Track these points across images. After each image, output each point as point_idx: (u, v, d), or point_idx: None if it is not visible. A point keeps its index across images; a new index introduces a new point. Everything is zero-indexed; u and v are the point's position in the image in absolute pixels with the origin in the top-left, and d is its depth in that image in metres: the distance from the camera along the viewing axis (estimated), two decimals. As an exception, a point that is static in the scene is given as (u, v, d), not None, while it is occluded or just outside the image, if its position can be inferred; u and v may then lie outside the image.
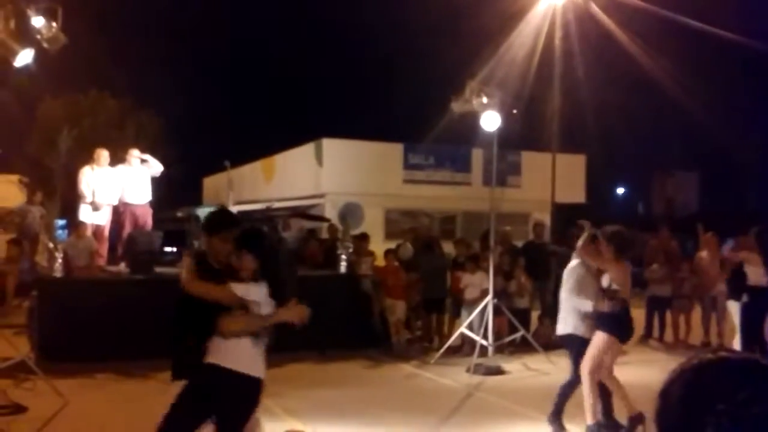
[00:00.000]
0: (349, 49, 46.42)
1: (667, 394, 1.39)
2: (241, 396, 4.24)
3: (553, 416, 6.92)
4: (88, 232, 11.76)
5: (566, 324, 7.02)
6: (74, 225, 12.29)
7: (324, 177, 22.46)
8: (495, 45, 21.03)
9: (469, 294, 11.02)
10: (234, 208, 14.30)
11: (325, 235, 15.72)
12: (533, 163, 23.61)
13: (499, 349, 10.68)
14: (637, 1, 20.79)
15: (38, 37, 7.95)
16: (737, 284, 9.67)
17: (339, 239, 14.05)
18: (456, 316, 11.72)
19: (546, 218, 20.04)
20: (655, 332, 12.63)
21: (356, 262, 12.02)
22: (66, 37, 8.13)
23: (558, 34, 20.34)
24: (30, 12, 7.89)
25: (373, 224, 19.82)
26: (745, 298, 9.38)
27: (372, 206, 22.06)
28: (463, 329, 10.78)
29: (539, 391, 8.76)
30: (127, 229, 12.01)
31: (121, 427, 6.90)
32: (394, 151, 23.41)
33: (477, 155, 23.05)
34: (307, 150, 23.52)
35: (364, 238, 13.07)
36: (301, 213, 19.47)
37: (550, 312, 11.88)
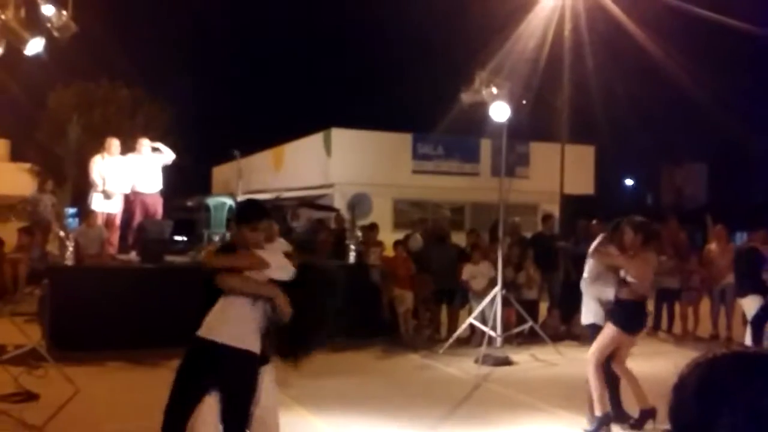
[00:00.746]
0: (358, 40, 46.35)
1: (681, 387, 1.39)
2: (234, 370, 4.26)
3: (615, 411, 6.78)
4: (99, 221, 11.82)
5: (589, 313, 7.02)
6: (85, 213, 12.35)
7: (333, 167, 22.49)
8: (504, 35, 20.94)
9: (477, 284, 11.02)
10: (243, 198, 14.33)
11: (333, 225, 15.73)
12: (542, 154, 23.57)
13: (508, 340, 10.69)
14: (647, -9, 20.69)
15: (48, 25, 7.96)
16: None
17: (347, 229, 14.07)
18: (463, 306, 11.73)
19: (554, 209, 20.00)
20: (664, 324, 12.62)
21: (365, 252, 12.05)
22: (76, 25, 8.15)
23: (567, 24, 20.24)
24: (40, 0, 7.90)
25: (381, 214, 19.83)
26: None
27: (381, 196, 22.06)
28: (471, 320, 10.79)
29: (547, 382, 8.80)
30: (138, 218, 12.07)
31: (132, 414, 6.95)
32: (403, 141, 23.41)
33: (486, 146, 23.03)
34: (316, 140, 23.54)
35: (372, 228, 13.09)
36: (309, 203, 19.52)
37: (559, 303, 11.92)
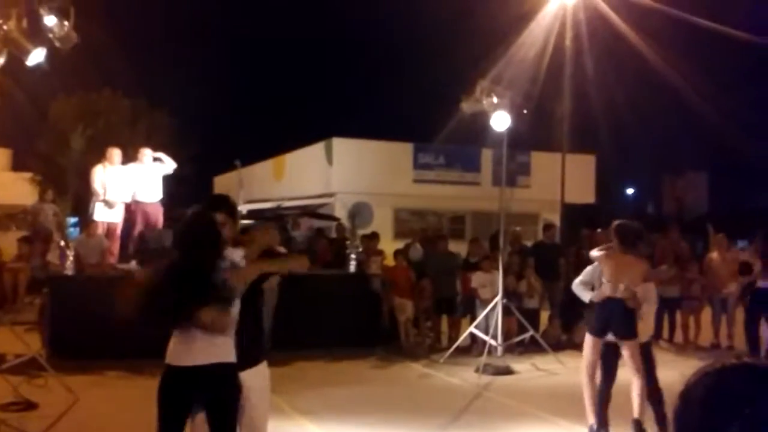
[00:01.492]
0: (360, 49, 46.47)
1: (687, 396, 1.37)
2: (216, 385, 4.12)
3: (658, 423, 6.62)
4: (99, 231, 11.82)
5: None
6: (86, 223, 12.36)
7: (334, 176, 22.51)
8: (505, 45, 21.00)
9: (486, 293, 10.94)
10: (244, 207, 14.34)
11: (334, 234, 15.74)
12: (543, 163, 23.59)
13: (509, 350, 10.68)
14: (648, 0, 20.72)
15: (50, 36, 7.98)
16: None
17: (347, 238, 14.08)
18: (464, 316, 11.72)
19: (555, 218, 20.01)
20: (665, 333, 12.59)
21: (365, 262, 12.05)
22: (78, 36, 8.17)
23: (568, 33, 20.29)
24: (42, 11, 7.92)
25: (382, 224, 19.85)
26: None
27: (381, 206, 22.10)
28: (472, 329, 10.78)
29: (548, 392, 8.78)
30: (139, 227, 12.08)
31: (131, 424, 6.93)
32: (404, 150, 23.44)
33: (486, 155, 23.05)
34: (317, 149, 23.58)
35: (373, 237, 13.10)
36: (310, 212, 19.52)
37: (560, 312, 11.90)
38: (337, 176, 22.42)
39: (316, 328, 10.69)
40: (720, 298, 12.21)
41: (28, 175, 28.88)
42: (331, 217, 18.29)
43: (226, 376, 4.09)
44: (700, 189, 44.90)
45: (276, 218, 17.17)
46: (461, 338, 11.00)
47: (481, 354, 10.17)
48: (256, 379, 4.30)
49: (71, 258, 10.06)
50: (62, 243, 11.28)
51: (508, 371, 9.80)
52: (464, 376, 9.65)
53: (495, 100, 10.30)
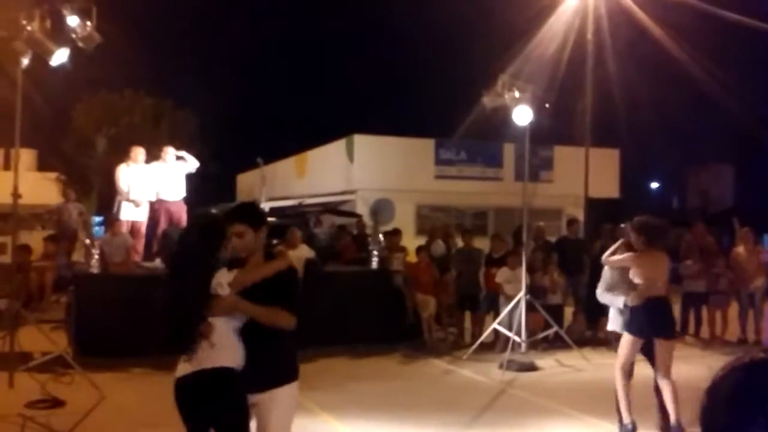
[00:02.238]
0: (380, 46, 46.46)
1: (714, 392, 1.35)
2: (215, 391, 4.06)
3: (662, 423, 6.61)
4: (124, 229, 11.91)
5: (611, 320, 6.98)
6: (110, 222, 12.46)
7: (355, 173, 22.53)
8: (527, 39, 20.88)
9: (511, 289, 10.86)
10: (266, 204, 14.40)
11: (354, 231, 15.75)
12: (566, 157, 23.45)
13: (533, 346, 10.63)
14: (670, -8, 20.53)
15: (73, 36, 8.06)
16: None
17: (369, 235, 14.08)
18: (488, 312, 11.68)
19: (579, 213, 19.88)
20: (691, 329, 12.48)
21: (388, 258, 12.04)
22: (100, 36, 8.24)
23: (590, 27, 20.14)
24: (65, 11, 8.00)
25: (404, 220, 19.85)
26: None
27: (403, 202, 22.08)
28: (495, 325, 10.74)
29: (572, 388, 8.72)
30: (162, 225, 12.15)
31: (158, 420, 6.97)
32: (425, 146, 23.40)
33: (509, 150, 22.95)
34: (338, 146, 23.61)
35: (395, 233, 13.09)
36: (332, 209, 19.56)
37: (584, 308, 11.82)
38: (359, 173, 22.43)
39: (339, 324, 10.70)
40: (747, 293, 12.07)
41: (53, 175, 29.17)
42: (352, 214, 18.31)
43: (221, 381, 3.99)
44: (726, 182, 44.37)
45: (298, 215, 17.23)
46: (485, 334, 10.97)
47: (504, 350, 10.12)
48: (278, 398, 4.12)
49: (96, 256, 10.14)
50: (87, 242, 11.37)
51: (532, 367, 9.75)
52: (488, 372, 9.62)
53: (517, 94, 10.23)
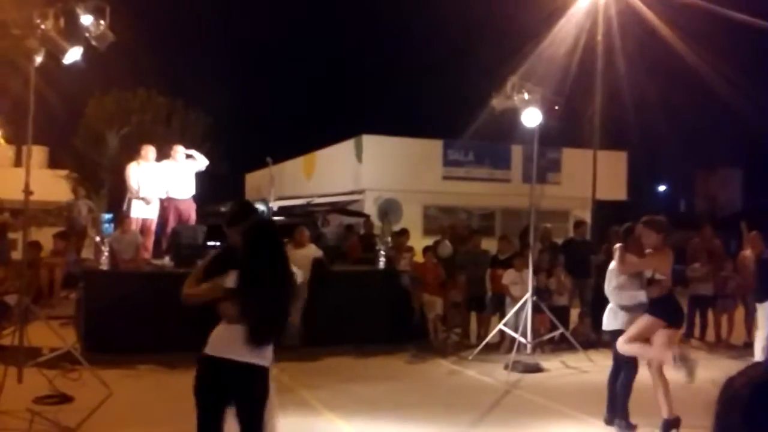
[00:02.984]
0: (389, 47, 46.49)
1: (729, 399, 1.35)
2: (257, 386, 4.24)
3: (620, 417, 6.84)
4: (134, 227, 11.99)
5: (616, 320, 7.00)
6: (120, 219, 12.54)
7: (363, 173, 22.56)
8: (536, 41, 20.89)
9: (518, 291, 10.88)
10: (275, 204, 14.45)
11: (362, 230, 15.78)
12: (574, 160, 23.44)
13: (539, 347, 10.65)
14: (680, -5, 20.49)
15: (87, 35, 8.11)
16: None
17: (377, 235, 14.12)
18: (494, 313, 11.70)
19: (586, 216, 19.87)
20: (697, 332, 12.47)
21: (395, 258, 12.08)
22: (113, 34, 8.30)
23: (600, 29, 20.13)
24: (79, 10, 8.05)
25: (411, 220, 19.88)
26: None
27: (411, 202, 22.11)
28: (501, 326, 10.76)
29: (578, 389, 8.74)
30: (172, 223, 12.22)
31: (165, 417, 7.04)
32: (434, 147, 23.41)
33: (516, 152, 22.95)
34: (347, 146, 23.64)
35: (403, 233, 13.12)
36: (340, 209, 19.60)
37: (590, 310, 11.83)
38: (367, 173, 22.46)
39: (345, 324, 10.75)
40: (754, 297, 12.05)
41: (64, 172, 29.32)
42: (360, 214, 18.34)
43: (259, 377, 4.19)
44: (734, 186, 44.19)
45: (306, 215, 17.29)
46: (490, 335, 10.99)
47: (509, 351, 10.15)
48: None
49: (106, 253, 10.21)
50: (97, 239, 11.45)
51: (537, 369, 9.77)
52: (493, 373, 9.64)
53: (526, 96, 10.25)
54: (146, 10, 23.72)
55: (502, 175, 23.53)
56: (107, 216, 21.49)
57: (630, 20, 20.77)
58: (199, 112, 31.82)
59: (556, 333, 10.93)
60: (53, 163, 32.05)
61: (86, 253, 13.44)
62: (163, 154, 12.88)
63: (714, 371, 9.59)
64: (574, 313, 12.20)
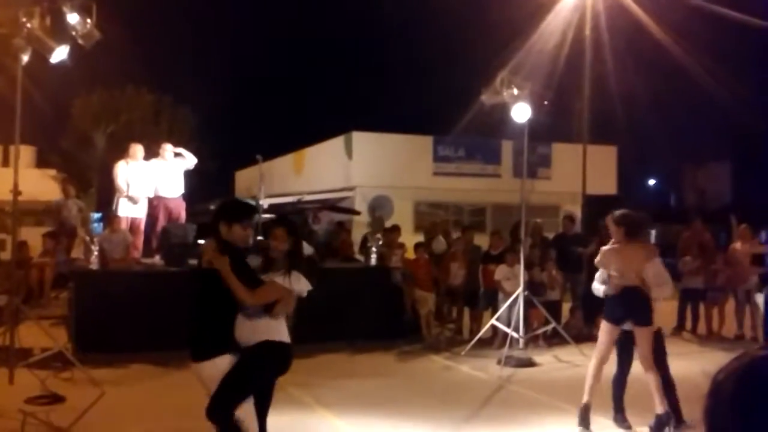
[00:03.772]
0: (379, 43, 46.45)
1: (717, 392, 1.34)
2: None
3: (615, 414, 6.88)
4: (123, 226, 11.94)
5: None
6: (109, 218, 12.49)
7: (354, 170, 22.55)
8: (525, 36, 20.92)
9: (510, 286, 10.89)
10: (265, 201, 14.41)
11: (355, 228, 15.77)
12: (564, 154, 23.50)
13: (531, 342, 10.67)
14: (668, -10, 20.55)
15: (73, 33, 8.07)
16: None
17: (366, 232, 14.10)
18: (486, 308, 11.71)
19: (577, 210, 19.93)
20: (688, 325, 12.53)
21: (387, 255, 12.07)
22: (100, 33, 8.26)
23: (588, 24, 20.17)
24: (65, 9, 8.00)
25: (402, 217, 19.87)
26: None
27: (401, 199, 22.11)
28: (494, 321, 10.77)
29: (570, 383, 8.74)
30: (161, 222, 12.18)
31: (157, 416, 7.02)
32: (424, 143, 23.42)
33: (507, 147, 22.98)
34: (336, 143, 23.63)
35: (394, 230, 13.11)
36: (331, 206, 19.57)
37: (582, 304, 11.86)
38: (357, 170, 22.45)
39: (338, 321, 10.73)
40: (744, 289, 12.12)
41: (52, 171, 29.18)
42: (352, 211, 18.34)
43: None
44: (723, 179, 44.37)
45: (296, 212, 17.25)
46: (483, 330, 11.01)
47: (502, 346, 10.16)
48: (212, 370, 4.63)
49: (96, 253, 10.16)
50: (87, 238, 11.39)
51: (530, 363, 9.79)
52: (486, 368, 9.65)
53: (515, 91, 10.25)
54: (133, 7, 23.60)
55: (492, 171, 23.57)
56: (96, 215, 21.41)
57: (618, 15, 20.84)
58: (188, 109, 31.75)
59: (549, 327, 10.95)
60: (41, 162, 31.88)
61: (76, 252, 13.36)
62: (151, 153, 12.83)
63: (706, 364, 9.64)
64: (566, 308, 12.23)
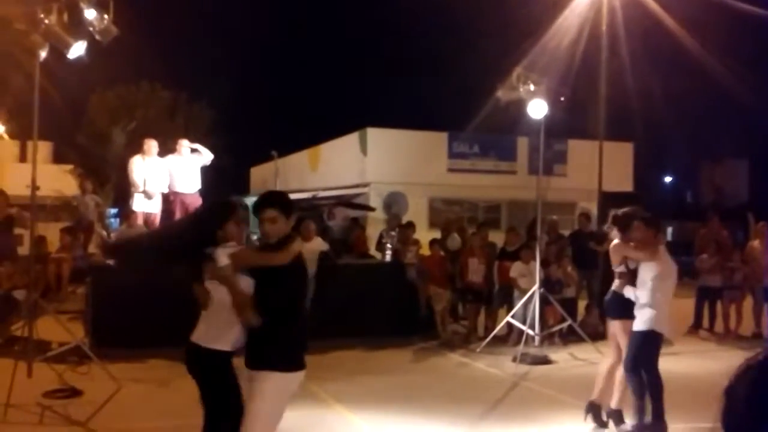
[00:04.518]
0: (394, 39, 46.38)
1: (732, 392, 1.34)
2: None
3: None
4: (139, 221, 11.99)
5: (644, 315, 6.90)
6: (125, 214, 12.54)
7: (368, 166, 22.55)
8: (541, 32, 20.81)
9: (525, 283, 10.84)
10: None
11: (370, 225, 15.77)
12: (580, 151, 23.37)
13: (547, 339, 10.64)
14: (686, -15, 20.40)
15: (90, 29, 8.10)
16: None
17: (384, 229, 14.10)
18: (501, 306, 11.67)
19: (592, 207, 19.82)
20: (705, 323, 12.44)
21: (401, 251, 12.06)
22: (117, 29, 8.28)
23: (605, 19, 20.03)
24: (83, 4, 8.03)
25: (417, 213, 19.84)
26: None
27: (416, 195, 22.08)
28: (509, 318, 10.74)
29: (586, 381, 8.70)
30: (177, 217, 12.21)
31: (173, 411, 7.05)
32: (439, 139, 23.38)
33: (522, 143, 22.91)
34: (351, 139, 23.63)
35: (409, 226, 13.10)
36: (345, 202, 19.58)
37: (598, 301, 11.80)
38: (372, 166, 22.45)
39: (352, 317, 10.74)
40: (762, 287, 12.01)
41: (68, 167, 29.38)
42: (366, 207, 18.34)
43: (210, 361, 4.54)
44: (741, 177, 44.04)
45: (312, 208, 17.27)
46: (498, 327, 10.98)
47: (517, 343, 10.14)
48: (260, 381, 4.25)
49: (112, 248, 10.19)
50: (104, 233, 11.45)
51: (545, 361, 9.76)
52: (501, 365, 9.63)
53: (531, 87, 10.20)
54: (148, 3, 23.68)
55: (507, 167, 23.50)
56: (113, 211, 21.54)
57: (635, 10, 20.67)
58: (204, 105, 31.84)
59: (564, 325, 10.90)
60: (58, 158, 32.10)
61: (93, 248, 13.44)
62: (167, 149, 12.87)
63: (723, 363, 9.58)
64: (582, 305, 12.17)
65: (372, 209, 18.35)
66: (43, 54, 7.72)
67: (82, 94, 28.33)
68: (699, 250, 12.55)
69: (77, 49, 8.02)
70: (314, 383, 7.94)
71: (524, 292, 10.61)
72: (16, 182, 11.23)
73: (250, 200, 14.66)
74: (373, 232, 14.74)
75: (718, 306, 12.38)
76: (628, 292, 6.66)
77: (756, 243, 12.29)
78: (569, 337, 11.08)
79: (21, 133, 28.54)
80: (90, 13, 8.05)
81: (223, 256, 4.32)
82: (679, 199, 44.94)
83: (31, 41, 7.65)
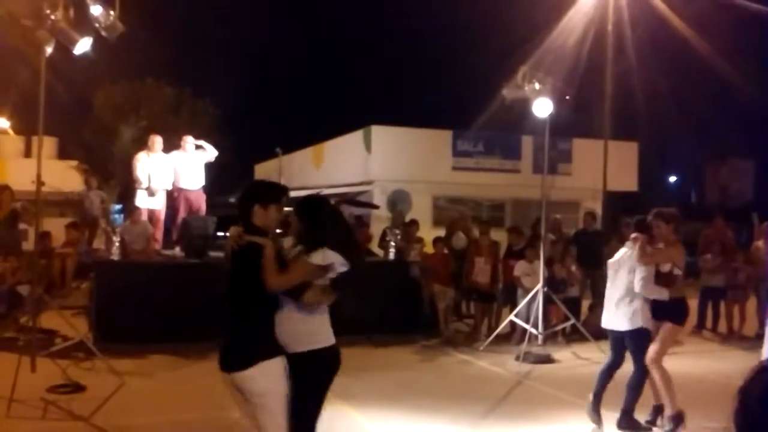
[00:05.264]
0: (398, 37, 46.37)
1: (746, 393, 1.35)
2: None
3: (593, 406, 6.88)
4: (144, 217, 12.02)
5: (636, 317, 6.76)
6: (130, 210, 12.57)
7: (373, 164, 22.53)
8: (547, 30, 20.77)
9: (529, 282, 10.84)
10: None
11: (374, 222, 15.77)
12: (585, 150, 23.32)
13: (550, 338, 10.63)
14: (692, -16, 20.34)
15: (96, 25, 8.11)
16: None
17: (388, 227, 14.09)
18: (505, 304, 11.67)
19: (597, 207, 19.79)
20: (709, 323, 12.43)
21: (405, 249, 12.06)
22: (123, 25, 8.30)
23: (611, 18, 19.99)
24: (88, 0, 8.05)
25: (421, 211, 19.84)
26: None
27: (420, 193, 22.07)
28: (512, 317, 10.74)
29: (589, 380, 8.68)
30: (182, 213, 12.25)
31: (176, 406, 7.07)
32: (443, 137, 23.34)
33: (527, 142, 22.86)
34: (356, 137, 23.60)
35: (412, 224, 13.10)
36: (349, 199, 19.58)
37: (602, 301, 11.78)
38: (376, 164, 22.43)
39: (355, 314, 10.70)
40: (765, 288, 12.00)
41: (73, 163, 29.41)
42: (371, 205, 18.33)
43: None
44: (746, 177, 43.94)
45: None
46: (501, 326, 10.98)
47: (520, 342, 10.14)
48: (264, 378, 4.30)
49: (117, 244, 10.24)
50: (108, 229, 11.47)
51: (548, 360, 9.76)
52: (505, 364, 9.64)
53: (537, 86, 10.20)
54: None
55: (512, 166, 23.45)
56: (117, 207, 21.57)
57: (641, 10, 20.62)
58: (208, 102, 31.85)
59: (568, 324, 10.90)
60: (63, 153, 32.13)
61: (97, 243, 13.48)
62: (172, 145, 12.90)
63: (726, 363, 9.57)
64: (585, 304, 12.16)
65: (376, 207, 18.33)
66: (49, 50, 7.73)
67: (87, 90, 28.37)
68: (702, 250, 12.53)
69: (83, 45, 8.04)
70: (317, 380, 7.95)
71: (528, 290, 10.60)
72: (21, 177, 11.24)
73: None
74: (376, 230, 14.72)
75: (722, 306, 12.37)
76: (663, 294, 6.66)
77: (760, 243, 12.27)
78: (572, 337, 11.08)
79: (26, 129, 28.58)
80: (96, 9, 8.07)
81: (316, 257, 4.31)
82: (684, 199, 44.83)
83: (38, 37, 7.67)
